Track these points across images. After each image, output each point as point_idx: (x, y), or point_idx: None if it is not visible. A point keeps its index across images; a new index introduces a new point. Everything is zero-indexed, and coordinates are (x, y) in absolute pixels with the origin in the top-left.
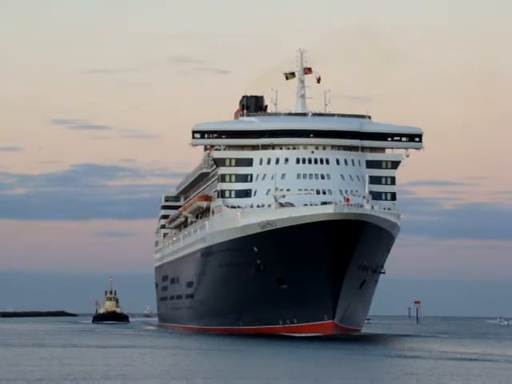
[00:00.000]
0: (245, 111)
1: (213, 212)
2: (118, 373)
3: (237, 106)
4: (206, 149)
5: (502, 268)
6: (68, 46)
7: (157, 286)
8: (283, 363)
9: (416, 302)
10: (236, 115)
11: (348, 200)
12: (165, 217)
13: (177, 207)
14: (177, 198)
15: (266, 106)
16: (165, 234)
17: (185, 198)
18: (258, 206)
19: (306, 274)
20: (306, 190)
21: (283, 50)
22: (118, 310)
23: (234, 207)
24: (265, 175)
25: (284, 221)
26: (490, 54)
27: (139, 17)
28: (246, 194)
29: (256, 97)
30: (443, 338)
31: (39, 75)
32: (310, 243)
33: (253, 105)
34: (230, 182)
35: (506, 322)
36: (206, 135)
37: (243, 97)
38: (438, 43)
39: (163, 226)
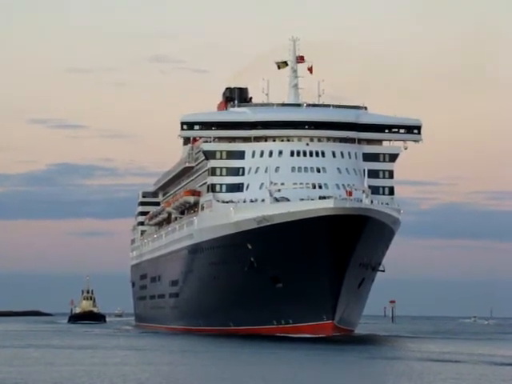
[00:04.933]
0: (235, 102)
1: (202, 207)
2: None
3: (215, 106)
4: (186, 143)
5: (477, 268)
6: (45, 44)
7: (133, 285)
8: (287, 366)
9: (391, 302)
10: (219, 108)
11: (350, 194)
12: (142, 213)
13: (155, 203)
14: (155, 194)
15: (251, 98)
16: (142, 232)
17: (164, 194)
18: (252, 201)
19: (304, 272)
20: (301, 183)
21: (264, 49)
22: (95, 310)
23: (226, 202)
24: (257, 168)
25: (281, 216)
26: (476, 56)
27: (117, 16)
28: (237, 188)
29: (240, 88)
30: (437, 338)
31: (15, 74)
32: (309, 239)
33: (237, 97)
34: (221, 175)
35: (486, 322)
36: (195, 126)
37: (227, 89)
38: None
39: (141, 223)
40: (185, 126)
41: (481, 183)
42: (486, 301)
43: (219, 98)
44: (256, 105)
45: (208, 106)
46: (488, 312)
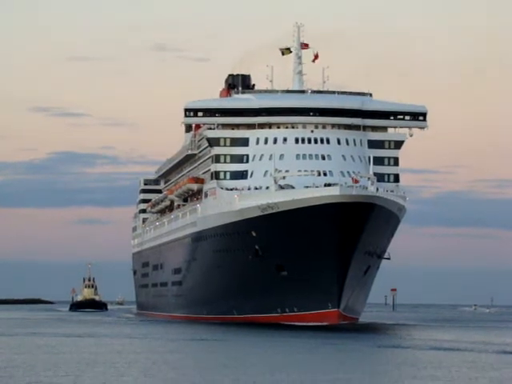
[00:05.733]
0: (238, 89)
1: (205, 195)
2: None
3: (217, 93)
4: (188, 130)
5: (477, 256)
6: (46, 33)
7: (135, 273)
8: (291, 354)
9: (392, 290)
10: (222, 95)
11: (357, 181)
12: (144, 201)
13: (157, 191)
14: (156, 182)
15: (254, 85)
16: (144, 219)
17: (165, 182)
18: (256, 188)
19: (309, 260)
20: (306, 171)
21: (266, 36)
22: (97, 298)
23: (230, 189)
24: (262, 156)
25: (287, 203)
26: (483, 44)
27: (118, 5)
28: (241, 175)
29: (243, 75)
30: (439, 326)
31: (16, 63)
32: (315, 227)
33: (240, 84)
34: (225, 162)
35: (487, 310)
36: (198, 113)
37: (229, 75)
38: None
39: (143, 211)
40: (188, 113)
41: (483, 171)
42: (487, 289)
43: (221, 86)
44: (260, 91)
45: (210, 94)
46: (489, 300)
